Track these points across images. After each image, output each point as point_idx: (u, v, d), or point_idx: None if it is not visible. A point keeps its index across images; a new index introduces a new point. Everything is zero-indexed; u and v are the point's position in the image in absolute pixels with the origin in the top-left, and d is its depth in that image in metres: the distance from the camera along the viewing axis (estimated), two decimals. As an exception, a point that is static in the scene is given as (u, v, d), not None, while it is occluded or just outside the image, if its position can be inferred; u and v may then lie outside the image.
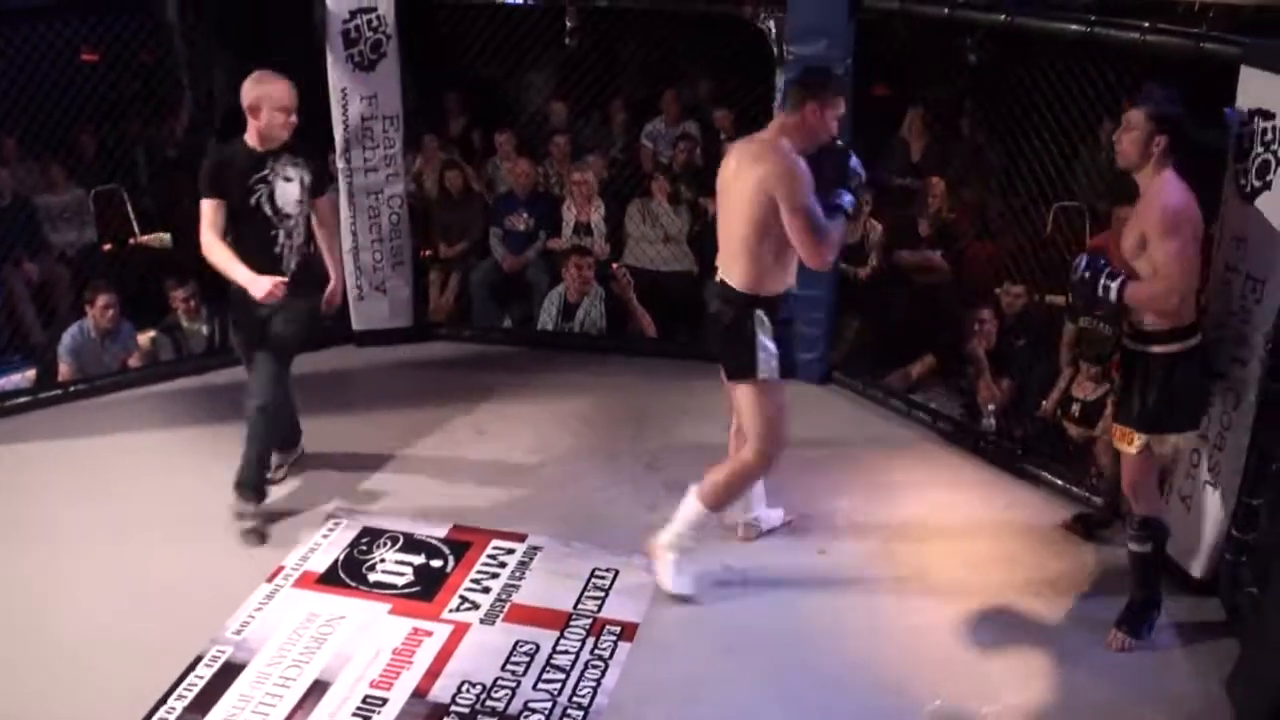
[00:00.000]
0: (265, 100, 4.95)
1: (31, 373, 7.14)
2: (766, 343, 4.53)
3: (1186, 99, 4.25)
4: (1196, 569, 4.79)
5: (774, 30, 6.33)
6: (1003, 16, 5.57)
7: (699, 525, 4.78)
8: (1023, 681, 4.35)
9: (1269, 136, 4.27)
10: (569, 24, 8.68)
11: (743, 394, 4.64)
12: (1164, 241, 4.08)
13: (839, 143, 4.71)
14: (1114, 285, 4.20)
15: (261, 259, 5.03)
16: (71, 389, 6.58)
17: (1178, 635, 4.62)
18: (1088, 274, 4.29)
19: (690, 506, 4.76)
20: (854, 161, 4.64)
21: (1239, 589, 4.63)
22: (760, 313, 4.52)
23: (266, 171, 5.03)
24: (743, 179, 4.43)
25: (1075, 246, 7.20)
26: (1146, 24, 4.91)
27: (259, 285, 4.91)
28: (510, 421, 6.34)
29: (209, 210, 4.99)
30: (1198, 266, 4.23)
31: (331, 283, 5.56)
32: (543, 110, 9.15)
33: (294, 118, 5.01)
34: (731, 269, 4.57)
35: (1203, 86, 4.57)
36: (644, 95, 9.11)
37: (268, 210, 5.06)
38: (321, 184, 5.35)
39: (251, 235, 5.06)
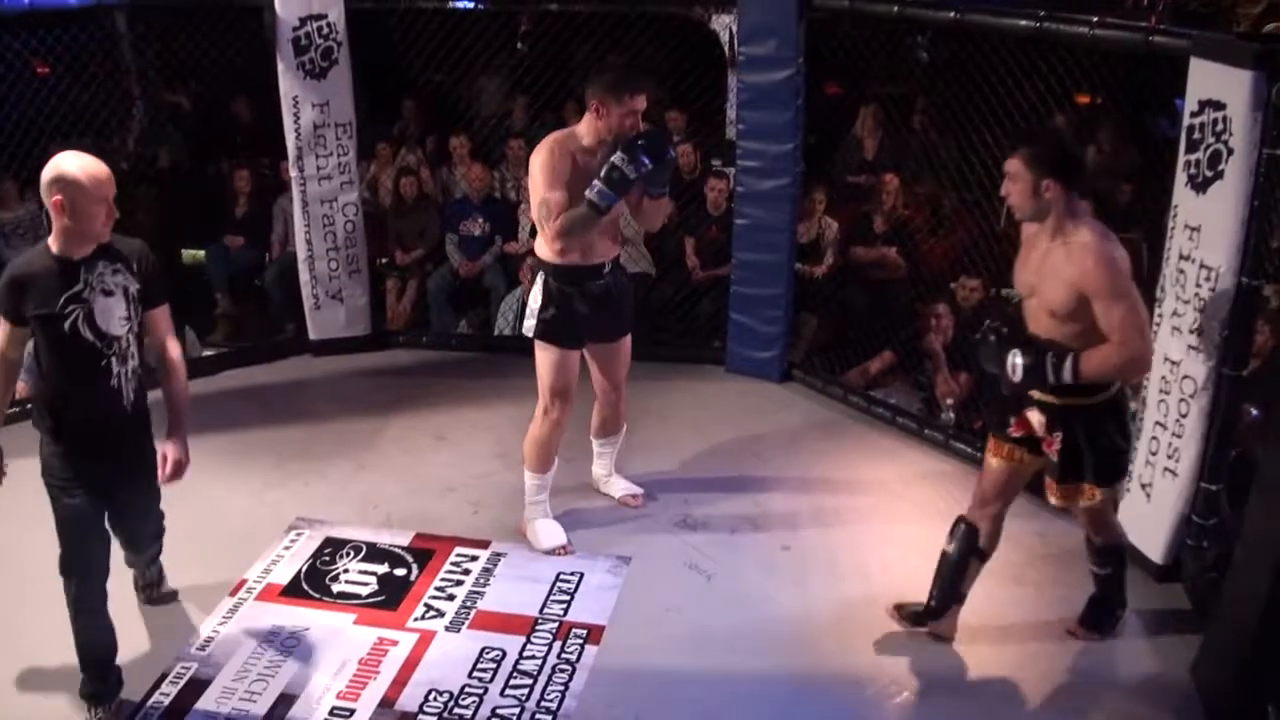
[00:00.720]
0: (77, 192, 3.68)
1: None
2: (533, 304, 4.97)
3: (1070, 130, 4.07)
4: (1158, 555, 4.84)
5: (724, 31, 6.35)
6: (952, 14, 5.61)
7: (540, 489, 5.24)
8: (988, 670, 4.38)
9: (1220, 127, 4.32)
10: (522, 28, 8.68)
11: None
12: (1117, 303, 3.76)
13: (642, 135, 4.66)
14: (1067, 366, 3.83)
15: (94, 399, 3.93)
16: (29, 406, 6.47)
17: (1141, 621, 4.67)
18: (1029, 369, 3.89)
19: (526, 478, 5.22)
20: (618, 157, 4.53)
21: (1201, 574, 4.67)
22: (544, 276, 4.93)
23: (80, 287, 3.80)
24: None
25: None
26: (1095, 18, 4.96)
27: None
28: (471, 427, 6.32)
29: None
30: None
31: (169, 446, 4.04)
32: (497, 114, 9.12)
33: (114, 210, 3.79)
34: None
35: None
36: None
37: (89, 336, 3.83)
38: (156, 290, 4.03)
39: (77, 368, 3.90)
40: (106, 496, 4.06)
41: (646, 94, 4.70)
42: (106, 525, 4.13)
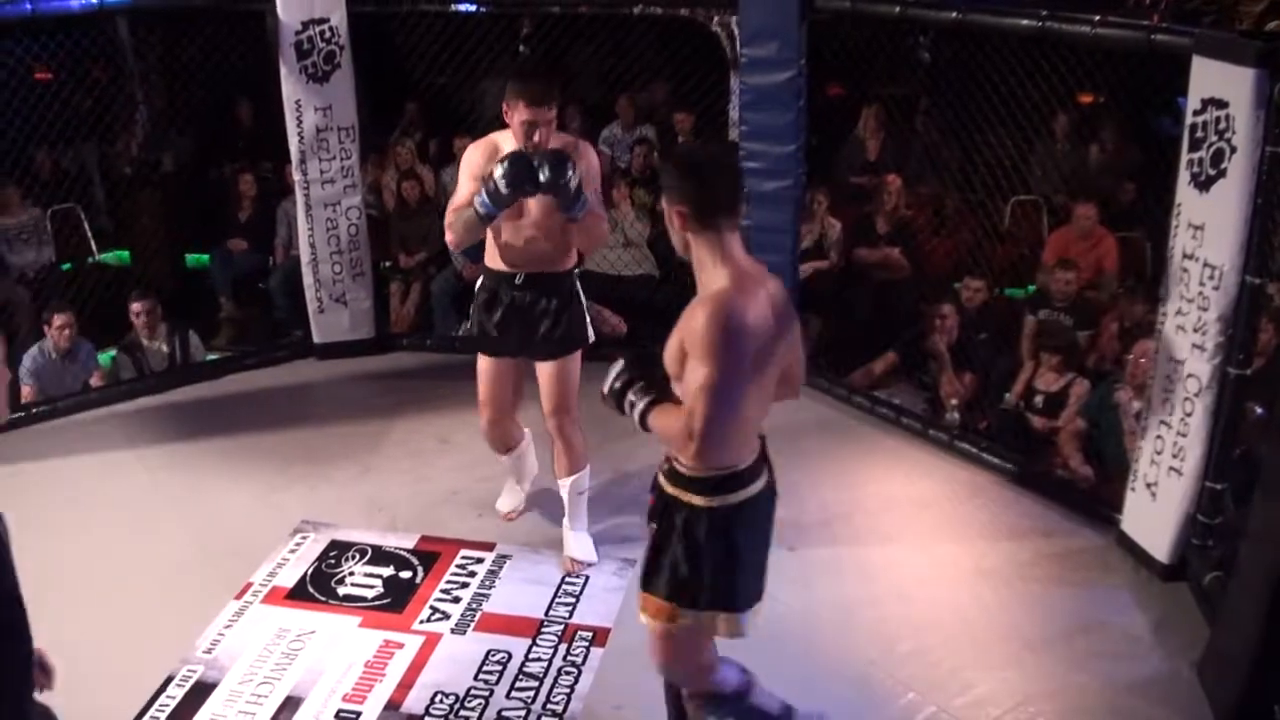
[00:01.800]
0: None
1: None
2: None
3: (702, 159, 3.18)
4: (1164, 555, 4.83)
5: (726, 33, 6.35)
6: (954, 14, 5.60)
7: (507, 468, 5.43)
8: (995, 671, 4.37)
9: (1222, 125, 4.31)
10: (524, 30, 8.67)
11: None
12: (699, 365, 3.04)
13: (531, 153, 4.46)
14: (640, 405, 3.26)
15: None
16: (34, 410, 6.50)
17: (1147, 620, 4.66)
18: (617, 384, 3.32)
19: None
20: (498, 168, 4.37)
21: (1207, 573, 4.67)
22: (479, 282, 4.90)
23: None
24: None
25: (1034, 239, 7.28)
26: (1097, 17, 4.96)
27: None
28: (474, 430, 6.23)
29: None
30: (747, 397, 3.17)
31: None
32: (500, 116, 9.10)
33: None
34: None
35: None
36: (599, 100, 9.11)
37: None
38: None
39: None
40: None
41: (548, 108, 4.51)
42: None
